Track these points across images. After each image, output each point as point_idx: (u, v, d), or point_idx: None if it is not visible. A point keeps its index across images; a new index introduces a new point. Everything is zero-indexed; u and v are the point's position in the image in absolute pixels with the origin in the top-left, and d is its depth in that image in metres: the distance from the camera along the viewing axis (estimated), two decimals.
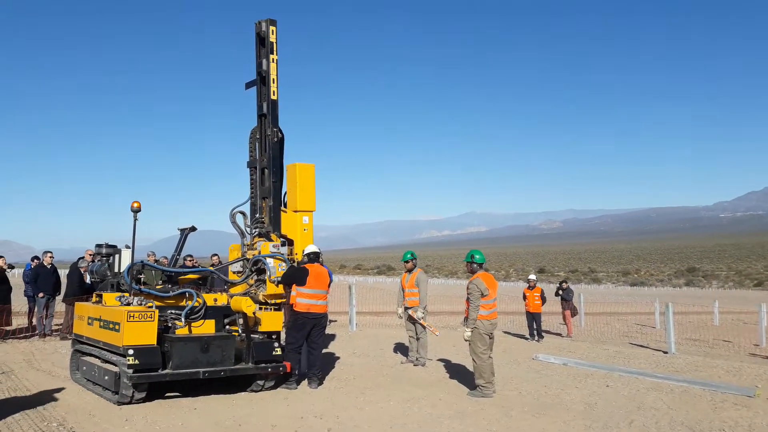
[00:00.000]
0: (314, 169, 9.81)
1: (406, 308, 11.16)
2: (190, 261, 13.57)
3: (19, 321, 14.76)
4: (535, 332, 16.35)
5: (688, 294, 69.04)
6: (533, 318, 16.46)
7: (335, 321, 18.06)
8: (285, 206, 9.73)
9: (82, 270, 13.68)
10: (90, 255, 13.84)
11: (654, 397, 8.70)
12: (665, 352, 14.02)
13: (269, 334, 8.69)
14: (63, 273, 14.33)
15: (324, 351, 10.24)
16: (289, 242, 9.41)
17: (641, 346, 16.04)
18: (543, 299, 16.81)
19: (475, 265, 8.87)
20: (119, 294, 8.21)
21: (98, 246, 8.92)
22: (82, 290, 13.33)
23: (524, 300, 17.00)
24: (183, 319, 8.07)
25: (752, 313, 24.52)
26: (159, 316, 7.78)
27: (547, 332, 18.12)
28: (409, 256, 11.44)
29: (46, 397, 7.80)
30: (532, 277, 17.68)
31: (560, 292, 18.47)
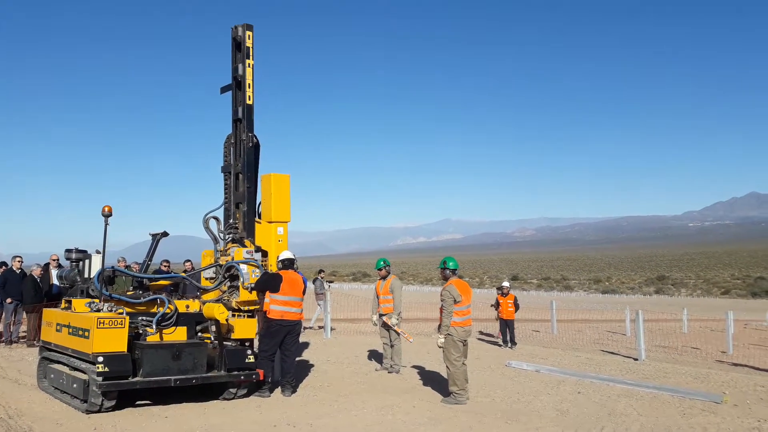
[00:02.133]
0: (289, 179, 9.76)
1: (381, 315, 11.17)
2: (165, 266, 13.40)
3: None
4: (508, 339, 16.45)
5: (657, 302, 70.09)
6: (506, 325, 16.56)
7: (312, 328, 17.97)
8: (259, 217, 9.66)
9: (36, 275, 13.39)
10: (54, 260, 13.58)
11: (624, 403, 8.81)
12: (635, 359, 14.22)
13: (242, 341, 8.61)
14: None
15: (298, 358, 10.19)
16: (264, 253, 9.31)
17: (612, 353, 16.24)
18: (516, 306, 16.91)
19: (448, 272, 8.92)
20: (89, 300, 8.06)
21: (68, 251, 8.75)
22: (37, 297, 13.04)
23: (497, 307, 17.09)
24: (154, 326, 7.97)
25: (720, 321, 25.01)
26: (130, 322, 7.67)
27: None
28: (382, 263, 11.46)
29: (12, 406, 7.64)
30: (506, 284, 17.78)
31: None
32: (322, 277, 19.56)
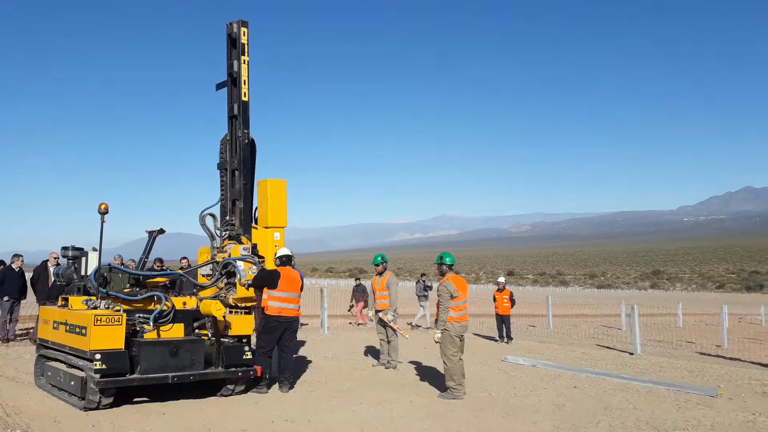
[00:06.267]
0: (285, 184, 9.68)
1: (377, 311, 11.19)
2: (158, 266, 13.35)
3: None
4: (504, 334, 16.51)
5: (653, 296, 70.39)
6: (502, 320, 16.62)
7: (306, 324, 18.00)
8: (256, 222, 9.62)
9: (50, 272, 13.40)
10: (54, 258, 13.57)
11: (620, 397, 8.86)
12: (631, 354, 14.29)
13: (239, 337, 8.62)
14: (29, 276, 14.02)
15: (295, 355, 10.21)
16: (260, 258, 9.28)
17: (608, 347, 16.31)
18: (512, 302, 16.97)
19: (444, 267, 8.95)
20: (86, 297, 8.06)
21: (64, 248, 8.74)
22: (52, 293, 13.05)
23: (494, 302, 17.15)
24: (151, 323, 7.96)
25: (714, 315, 25.14)
26: (127, 319, 7.66)
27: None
28: (379, 259, 11.48)
29: (9, 403, 7.62)
30: (501, 279, 17.83)
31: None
32: (424, 280, 21.18)
